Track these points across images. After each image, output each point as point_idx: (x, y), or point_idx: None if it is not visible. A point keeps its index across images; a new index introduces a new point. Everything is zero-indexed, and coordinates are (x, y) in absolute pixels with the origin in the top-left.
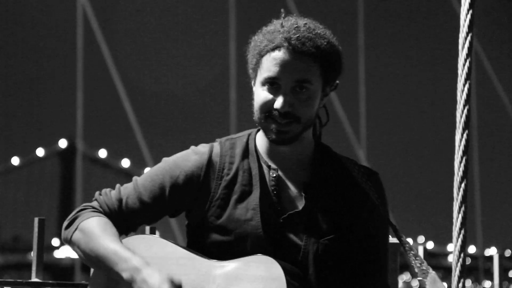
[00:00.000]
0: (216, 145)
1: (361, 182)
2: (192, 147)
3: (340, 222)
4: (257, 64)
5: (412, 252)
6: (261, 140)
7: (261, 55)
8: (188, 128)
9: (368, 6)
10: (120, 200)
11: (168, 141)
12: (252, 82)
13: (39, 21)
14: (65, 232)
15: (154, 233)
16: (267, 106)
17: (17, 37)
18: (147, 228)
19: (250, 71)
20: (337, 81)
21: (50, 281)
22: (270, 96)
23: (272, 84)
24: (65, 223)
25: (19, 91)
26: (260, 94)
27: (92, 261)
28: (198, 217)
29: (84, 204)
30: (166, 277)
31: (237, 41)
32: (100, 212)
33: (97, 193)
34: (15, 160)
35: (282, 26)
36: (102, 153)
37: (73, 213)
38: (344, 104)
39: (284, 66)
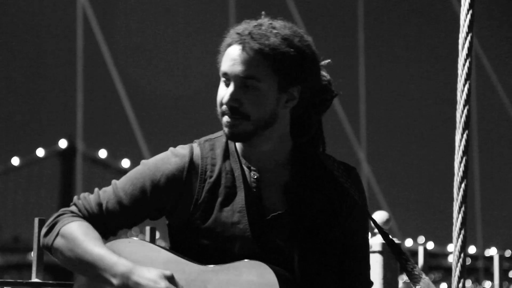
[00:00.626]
0: (196, 146)
1: (342, 180)
2: (171, 149)
3: (322, 221)
4: (220, 60)
5: (403, 256)
6: None
7: (222, 51)
8: (188, 128)
9: (368, 5)
10: (100, 205)
11: (168, 141)
12: None
13: (39, 21)
14: (45, 239)
15: (155, 234)
16: (219, 101)
17: (17, 37)
18: (147, 228)
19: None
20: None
21: (50, 281)
22: (223, 92)
23: (225, 79)
24: (44, 230)
25: (19, 92)
26: (219, 89)
27: (77, 267)
28: (181, 220)
29: (62, 209)
30: (158, 273)
31: None
32: (79, 216)
33: (75, 197)
34: (15, 160)
35: (247, 24)
36: (102, 153)
37: (51, 218)
38: (344, 104)
39: (232, 60)
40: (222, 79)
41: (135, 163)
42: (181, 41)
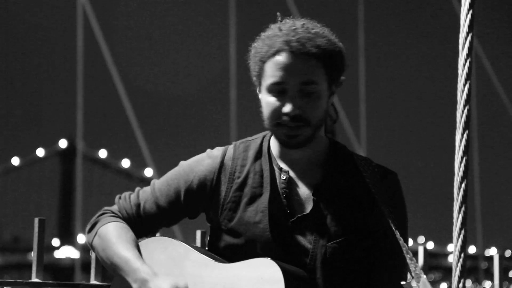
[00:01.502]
0: (230, 148)
1: (371, 185)
2: (208, 151)
3: (348, 224)
4: (260, 71)
5: (408, 255)
6: (274, 142)
7: (263, 62)
8: (188, 128)
9: (368, 6)
10: (138, 205)
11: (168, 141)
12: (257, 89)
13: (39, 21)
14: (87, 236)
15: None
16: (276, 113)
17: (17, 37)
18: None
19: (254, 78)
20: (343, 77)
21: (50, 281)
22: (278, 103)
23: (278, 89)
24: (88, 227)
25: (19, 92)
26: (269, 102)
27: (109, 267)
28: (214, 220)
29: (105, 208)
30: (172, 284)
31: (237, 41)
32: (118, 217)
33: (117, 197)
34: (15, 160)
35: (280, 30)
36: (102, 153)
37: (95, 217)
38: (344, 104)
39: (287, 69)
40: (273, 90)
41: (135, 163)
42: (181, 41)
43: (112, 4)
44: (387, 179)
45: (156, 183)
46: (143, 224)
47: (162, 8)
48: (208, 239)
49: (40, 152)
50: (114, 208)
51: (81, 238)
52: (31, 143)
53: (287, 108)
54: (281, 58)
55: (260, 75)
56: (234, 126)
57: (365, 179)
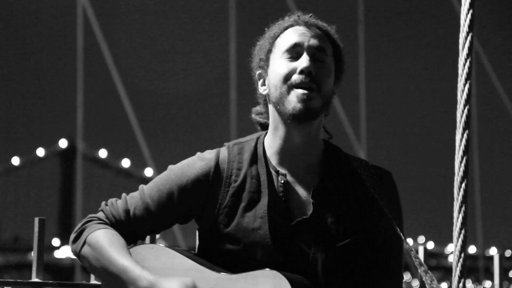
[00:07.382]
0: (224, 150)
1: (369, 186)
2: (198, 154)
3: (349, 228)
4: (271, 47)
5: (423, 267)
6: (270, 144)
7: (275, 37)
8: (188, 128)
9: (368, 6)
10: (127, 211)
11: (168, 141)
12: (261, 79)
13: (39, 21)
14: (73, 245)
15: (154, 235)
16: (290, 73)
17: (18, 37)
18: None
19: (260, 65)
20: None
21: (51, 281)
22: (293, 64)
23: (293, 53)
24: (72, 236)
25: (19, 91)
26: (281, 64)
27: (103, 277)
28: (207, 224)
29: (90, 216)
30: (179, 283)
31: (237, 41)
32: (106, 223)
33: (103, 203)
34: (15, 160)
35: (283, 19)
36: (102, 153)
37: (80, 225)
38: (344, 104)
39: (303, 34)
40: (287, 55)
41: (135, 163)
42: (181, 41)
43: (112, 4)
44: (384, 179)
45: (145, 188)
46: (132, 231)
47: (162, 8)
48: (197, 244)
49: (40, 152)
50: (101, 215)
51: None
52: (31, 143)
53: (304, 63)
54: (295, 28)
55: (270, 51)
56: (234, 126)
57: (363, 180)
